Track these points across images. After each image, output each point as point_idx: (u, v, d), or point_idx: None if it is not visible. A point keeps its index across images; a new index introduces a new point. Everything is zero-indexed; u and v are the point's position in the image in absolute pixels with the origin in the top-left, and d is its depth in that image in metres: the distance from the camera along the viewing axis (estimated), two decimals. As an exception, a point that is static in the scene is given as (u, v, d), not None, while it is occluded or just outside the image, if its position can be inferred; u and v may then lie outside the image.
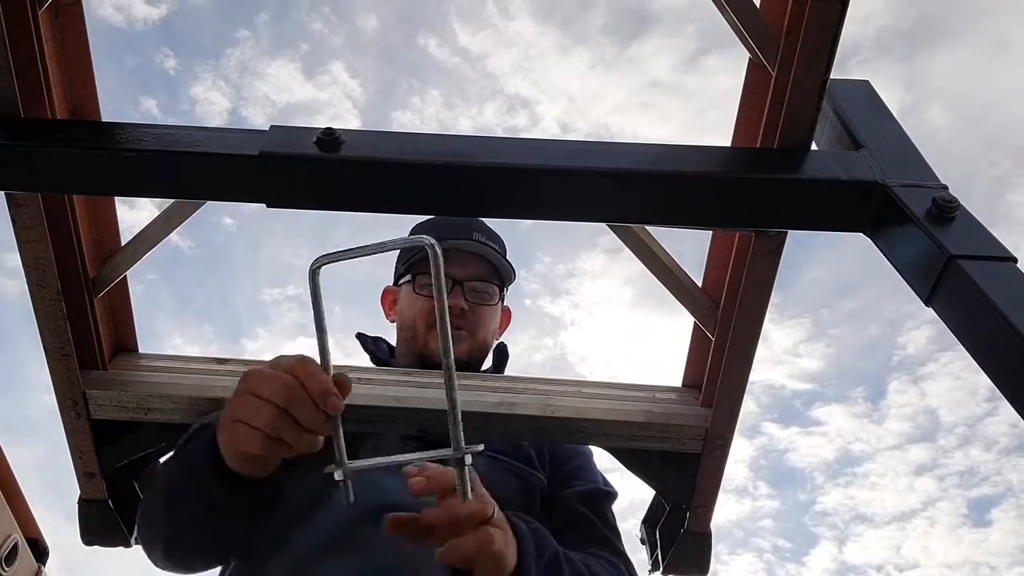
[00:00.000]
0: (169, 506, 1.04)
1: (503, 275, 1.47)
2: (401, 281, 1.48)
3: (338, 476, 0.86)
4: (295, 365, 0.88)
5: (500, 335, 1.54)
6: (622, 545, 1.25)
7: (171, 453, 1.14)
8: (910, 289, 0.89)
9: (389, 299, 1.52)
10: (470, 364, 1.40)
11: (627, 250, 1.17)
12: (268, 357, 1.33)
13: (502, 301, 1.51)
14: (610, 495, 1.31)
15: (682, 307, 1.21)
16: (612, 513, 1.30)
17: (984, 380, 0.76)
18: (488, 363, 1.49)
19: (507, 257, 1.49)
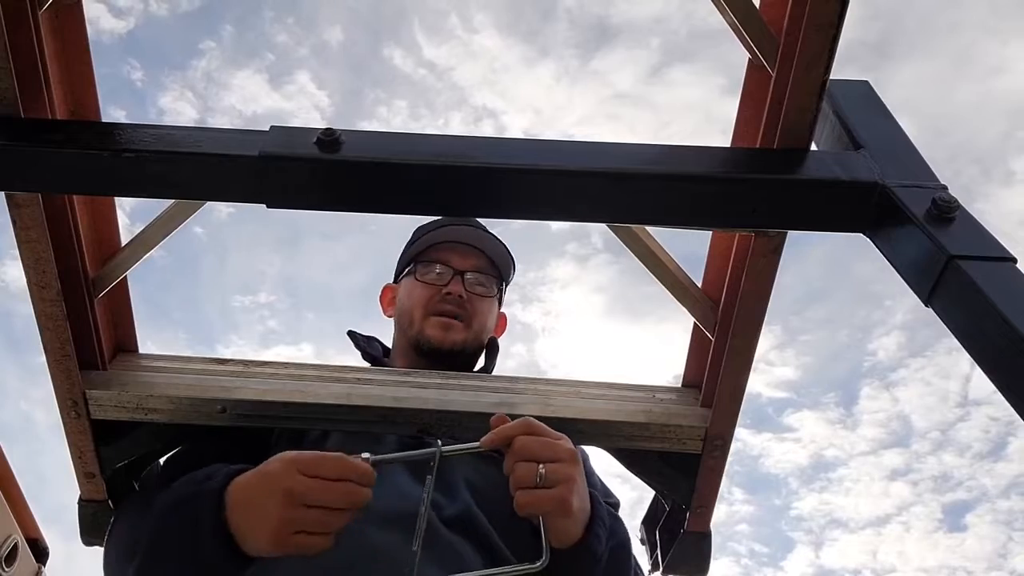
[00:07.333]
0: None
1: (502, 269, 1.48)
2: (403, 274, 1.49)
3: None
4: (339, 468, 0.93)
5: (497, 336, 1.54)
6: None
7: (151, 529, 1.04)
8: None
9: (388, 296, 1.54)
10: (464, 353, 1.40)
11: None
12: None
13: (500, 299, 1.51)
14: (612, 506, 1.25)
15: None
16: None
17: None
18: (480, 363, 1.48)
19: (511, 253, 1.51)
